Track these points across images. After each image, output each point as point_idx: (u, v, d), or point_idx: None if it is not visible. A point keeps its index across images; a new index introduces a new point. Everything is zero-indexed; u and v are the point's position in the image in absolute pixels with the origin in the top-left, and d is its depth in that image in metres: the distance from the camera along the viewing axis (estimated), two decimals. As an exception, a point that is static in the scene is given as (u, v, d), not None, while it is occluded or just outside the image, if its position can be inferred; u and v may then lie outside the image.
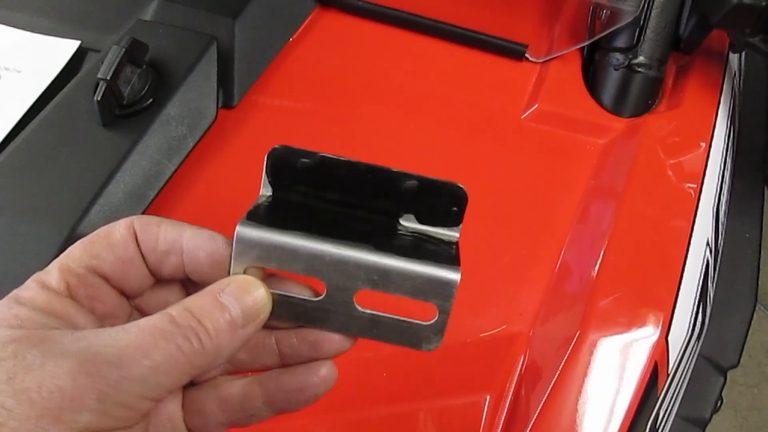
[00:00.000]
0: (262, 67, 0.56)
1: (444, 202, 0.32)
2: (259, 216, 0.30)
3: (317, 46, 0.59)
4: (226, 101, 0.54)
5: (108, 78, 0.47)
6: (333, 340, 0.30)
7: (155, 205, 0.48)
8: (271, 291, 0.29)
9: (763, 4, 0.49)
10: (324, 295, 0.29)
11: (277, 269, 0.29)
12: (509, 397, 0.45)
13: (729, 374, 1.68)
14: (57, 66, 0.55)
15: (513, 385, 0.45)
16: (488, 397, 0.44)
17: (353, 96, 0.56)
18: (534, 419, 0.43)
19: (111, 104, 0.48)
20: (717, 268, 0.58)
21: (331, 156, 0.31)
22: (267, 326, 0.30)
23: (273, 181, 0.32)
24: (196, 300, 0.27)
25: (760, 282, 1.76)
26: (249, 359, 0.31)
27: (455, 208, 0.32)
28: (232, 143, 0.53)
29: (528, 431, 0.43)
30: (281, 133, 0.54)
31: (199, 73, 0.52)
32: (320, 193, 0.33)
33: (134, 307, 0.31)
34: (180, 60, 0.52)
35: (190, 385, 0.31)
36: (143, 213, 0.48)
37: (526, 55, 0.58)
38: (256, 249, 0.28)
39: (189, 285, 0.31)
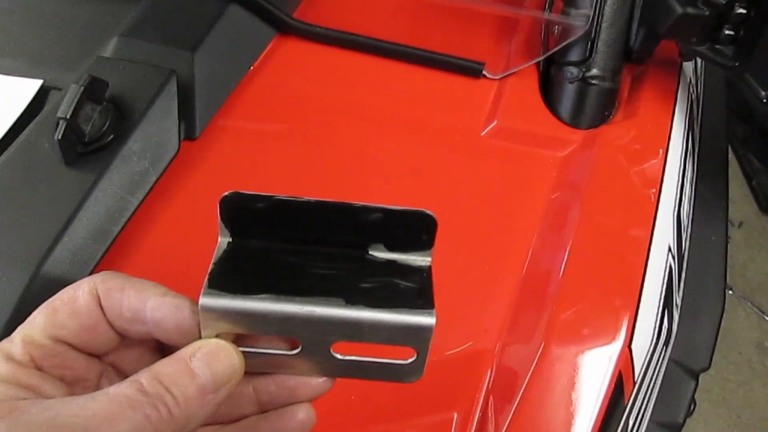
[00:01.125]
0: (223, 97, 0.57)
1: (413, 230, 0.32)
2: (221, 279, 0.29)
3: (278, 73, 0.60)
4: (189, 133, 0.55)
5: (68, 117, 0.47)
6: (312, 385, 0.30)
7: (120, 241, 0.49)
8: (245, 349, 0.29)
9: (707, 13, 0.50)
10: (300, 349, 0.29)
11: (248, 333, 0.29)
12: (477, 414, 0.45)
13: (720, 372, 1.69)
14: (20, 106, 0.56)
15: (480, 402, 0.46)
16: (456, 415, 0.45)
17: (316, 119, 0.57)
18: (502, 435, 0.44)
19: (72, 142, 0.49)
20: (683, 273, 0.58)
21: (287, 198, 0.31)
22: (244, 375, 0.29)
23: (231, 228, 0.32)
24: (165, 367, 0.27)
25: (746, 278, 1.77)
26: (227, 410, 0.31)
27: (425, 236, 0.32)
28: (195, 174, 0.53)
29: (497, 447, 0.43)
30: (245, 162, 0.55)
31: (160, 107, 0.52)
32: (281, 235, 0.32)
33: (108, 363, 0.31)
34: (140, 95, 0.52)
35: None
36: (108, 249, 0.48)
37: (484, 72, 0.59)
38: (224, 318, 0.28)
39: (163, 346, 0.31)
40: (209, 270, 0.29)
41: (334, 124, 0.57)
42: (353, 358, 0.30)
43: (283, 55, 0.61)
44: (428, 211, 0.31)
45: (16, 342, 0.27)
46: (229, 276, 0.29)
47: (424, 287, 0.31)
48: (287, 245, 0.32)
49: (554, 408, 0.44)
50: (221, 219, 0.31)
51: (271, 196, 0.30)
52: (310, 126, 0.57)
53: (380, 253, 0.32)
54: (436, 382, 0.46)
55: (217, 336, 0.28)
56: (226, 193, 0.30)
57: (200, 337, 0.28)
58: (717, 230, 0.64)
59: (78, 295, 0.28)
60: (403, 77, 0.60)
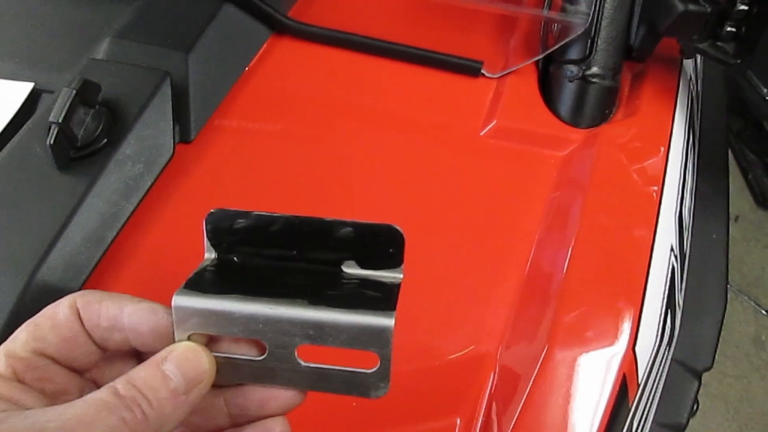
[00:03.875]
0: (218, 99, 0.56)
1: (382, 245, 0.32)
2: (199, 282, 0.31)
3: (274, 73, 0.59)
4: (183, 136, 0.54)
5: (60, 121, 0.46)
6: (279, 398, 0.31)
7: (115, 247, 0.48)
8: (215, 354, 0.30)
9: (709, 10, 0.49)
10: (266, 353, 0.30)
11: (217, 333, 0.30)
12: (480, 419, 0.45)
13: (718, 366, 1.68)
14: (11, 109, 0.55)
15: (483, 406, 0.45)
16: (458, 420, 0.44)
17: (313, 120, 0.56)
18: (506, 440, 0.43)
19: (64, 147, 0.48)
20: (685, 272, 0.58)
21: (265, 213, 0.32)
22: (214, 386, 0.30)
23: (214, 244, 0.33)
24: (139, 371, 0.28)
25: (742, 272, 1.77)
26: (201, 421, 0.32)
27: (392, 250, 0.32)
28: (190, 178, 0.53)
29: (500, 453, 0.43)
30: (241, 165, 0.54)
31: (154, 109, 0.51)
32: (261, 250, 0.33)
33: (89, 379, 0.31)
34: (133, 98, 0.51)
35: None
36: (103, 255, 0.47)
37: (482, 71, 0.58)
38: (195, 317, 0.29)
39: (142, 354, 0.32)
40: (188, 277, 0.31)
41: (330, 124, 0.56)
42: (317, 365, 0.30)
43: (279, 55, 0.60)
44: (395, 226, 0.31)
45: None
46: (206, 281, 0.31)
47: (390, 296, 0.31)
48: (268, 260, 0.33)
49: (558, 412, 0.44)
50: (206, 236, 0.33)
51: (250, 213, 0.32)
52: (307, 127, 0.56)
53: (353, 270, 0.33)
54: (439, 387, 0.46)
55: (189, 338, 0.30)
56: (211, 210, 0.32)
57: (174, 340, 0.29)
58: (718, 228, 0.63)
59: (58, 309, 0.29)
60: (400, 76, 0.59)
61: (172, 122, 0.52)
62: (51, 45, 0.59)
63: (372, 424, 0.44)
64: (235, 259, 0.33)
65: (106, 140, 0.49)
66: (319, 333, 0.29)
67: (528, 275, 0.50)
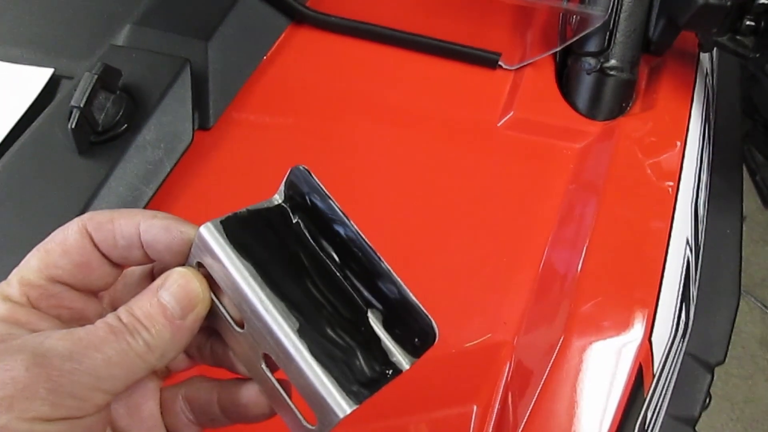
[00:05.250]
0: (237, 87, 0.56)
1: (412, 327, 0.30)
2: (237, 224, 0.29)
3: (292, 62, 0.59)
4: (202, 123, 0.54)
5: (81, 105, 0.47)
6: (259, 406, 0.31)
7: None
8: (212, 296, 0.29)
9: (729, 3, 0.49)
10: (244, 330, 0.29)
11: (216, 282, 0.29)
12: (496, 407, 0.45)
13: (724, 367, 1.69)
14: (31, 95, 0.55)
15: (500, 394, 0.45)
16: (475, 408, 0.44)
17: (330, 110, 0.57)
18: (522, 427, 0.43)
19: (86, 131, 0.48)
20: (699, 266, 0.58)
21: (340, 211, 0.30)
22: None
23: (287, 195, 0.32)
24: (137, 300, 0.28)
25: (749, 273, 1.77)
26: (199, 357, 0.33)
27: (418, 342, 0.30)
28: (209, 165, 0.53)
29: (516, 440, 0.43)
30: (259, 152, 0.54)
31: (174, 96, 0.52)
32: (315, 232, 0.32)
33: (108, 303, 0.32)
34: (154, 84, 0.52)
35: (169, 375, 0.32)
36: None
37: (500, 63, 0.58)
38: (208, 255, 0.28)
39: (159, 273, 0.31)
40: (239, 210, 0.30)
41: (347, 115, 0.56)
42: (273, 379, 0.29)
43: (297, 44, 0.60)
44: (434, 324, 0.29)
45: (12, 284, 0.28)
46: (246, 229, 0.29)
47: (375, 383, 0.29)
48: (314, 245, 0.32)
49: (574, 400, 0.44)
50: (284, 184, 0.31)
51: (328, 197, 0.30)
52: (324, 117, 0.56)
53: (375, 324, 0.31)
54: (455, 374, 0.46)
55: (197, 264, 0.29)
56: (299, 165, 0.30)
57: (185, 263, 0.29)
58: (732, 223, 0.63)
59: (67, 234, 0.29)
60: (418, 67, 0.59)
61: (191, 109, 0.52)
62: (70, 31, 0.59)
63: (391, 410, 0.44)
64: (292, 223, 0.32)
65: (126, 125, 0.50)
66: (285, 362, 0.27)
67: (544, 266, 0.50)
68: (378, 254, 0.30)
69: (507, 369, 0.46)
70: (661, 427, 0.55)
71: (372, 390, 0.28)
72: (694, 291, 0.56)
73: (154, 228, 0.29)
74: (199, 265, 0.29)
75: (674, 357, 0.52)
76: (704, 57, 0.63)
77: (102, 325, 0.27)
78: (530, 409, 0.43)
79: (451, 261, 0.50)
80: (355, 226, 0.30)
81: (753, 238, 1.81)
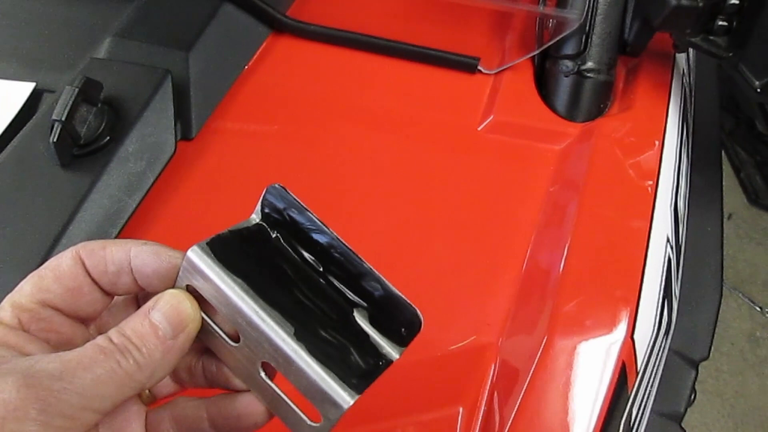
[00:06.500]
0: (218, 97, 0.57)
1: (399, 319, 0.32)
2: (221, 245, 0.30)
3: (273, 71, 0.59)
4: (185, 133, 0.54)
5: (63, 119, 0.47)
6: (253, 415, 0.31)
7: (119, 242, 0.48)
8: (203, 315, 0.30)
9: (701, 4, 0.50)
10: (240, 343, 0.30)
11: (209, 301, 0.30)
12: (482, 408, 0.45)
13: (714, 363, 1.69)
14: (13, 109, 0.55)
15: (485, 396, 0.46)
16: (461, 409, 0.45)
17: (312, 118, 0.57)
18: (507, 428, 0.44)
19: (67, 145, 0.48)
20: (680, 263, 0.59)
21: (318, 221, 0.32)
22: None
23: (264, 213, 0.33)
24: (129, 321, 0.29)
25: (736, 270, 1.78)
26: (188, 379, 0.33)
27: (404, 330, 0.32)
28: (192, 175, 0.53)
29: (502, 441, 0.43)
30: (242, 161, 0.55)
31: (156, 107, 0.52)
32: (296, 246, 0.33)
33: (95, 331, 0.32)
34: (135, 96, 0.52)
35: (153, 400, 0.33)
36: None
37: (479, 67, 0.59)
38: (198, 277, 0.29)
39: (144, 302, 0.32)
40: (221, 232, 0.31)
41: (329, 121, 0.57)
42: (273, 386, 0.30)
43: (278, 53, 0.60)
44: (419, 312, 0.31)
45: (5, 308, 0.29)
46: (231, 245, 0.31)
47: (371, 374, 0.30)
48: (296, 257, 0.33)
49: (559, 399, 0.44)
50: (261, 201, 0.33)
51: (305, 210, 0.32)
52: (306, 124, 0.57)
53: (361, 321, 0.33)
54: (441, 377, 0.46)
55: (186, 287, 0.30)
56: (274, 184, 0.32)
57: (174, 286, 0.30)
58: (712, 221, 0.64)
59: (61, 261, 0.30)
60: (398, 74, 0.60)
61: (173, 120, 0.53)
62: (51, 45, 0.60)
63: (376, 414, 0.44)
64: (270, 236, 0.33)
65: (108, 138, 0.50)
66: (285, 366, 0.29)
67: (527, 267, 0.50)
68: (359, 256, 0.31)
69: (492, 370, 0.47)
70: (647, 424, 0.55)
71: (369, 381, 0.29)
72: (676, 288, 0.57)
73: (143, 253, 0.30)
74: (188, 288, 0.30)
75: (658, 354, 0.53)
76: (680, 57, 0.64)
77: (91, 346, 0.27)
78: (515, 409, 0.44)
79: (434, 264, 0.50)
80: (334, 233, 0.32)
81: (739, 234, 1.83)
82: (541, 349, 0.45)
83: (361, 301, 0.33)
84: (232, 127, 0.56)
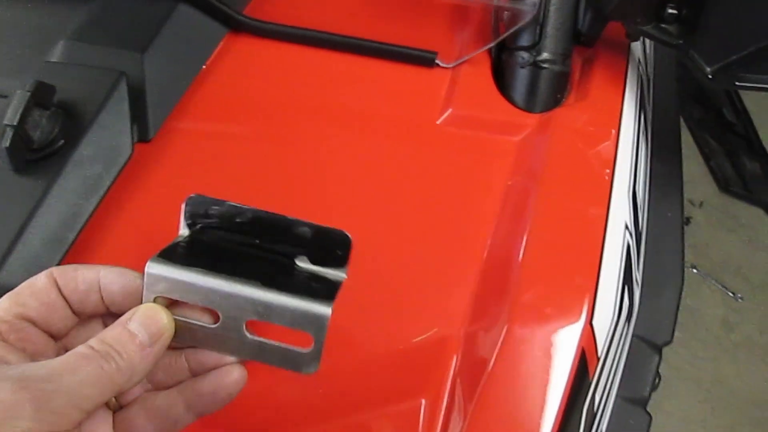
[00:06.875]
0: (176, 98, 0.56)
1: (332, 246, 0.37)
2: (170, 253, 0.35)
3: (231, 71, 0.59)
4: (142, 135, 0.54)
5: (15, 124, 0.46)
6: (226, 387, 0.35)
7: (77, 248, 0.48)
8: (175, 317, 0.34)
9: (650, -7, 0.51)
10: (219, 323, 0.34)
11: (180, 299, 0.34)
12: (445, 399, 0.45)
13: (689, 349, 1.71)
14: (-35, 116, 0.54)
15: (448, 387, 0.46)
16: (424, 402, 0.45)
17: (270, 117, 0.57)
18: (470, 418, 0.44)
19: (20, 149, 0.48)
20: (641, 250, 0.59)
21: (236, 204, 0.37)
22: (174, 347, 0.35)
23: (189, 224, 0.38)
24: (108, 331, 0.33)
25: (709, 257, 1.80)
26: (165, 377, 0.36)
27: (340, 252, 0.37)
28: (151, 176, 0.53)
29: (465, 431, 0.44)
30: (201, 162, 0.54)
31: (111, 110, 0.52)
32: (228, 235, 0.38)
33: (62, 347, 0.35)
34: (90, 99, 0.51)
35: (119, 408, 0.36)
36: (64, 256, 0.47)
37: (437, 61, 0.59)
38: (163, 282, 0.34)
39: (109, 317, 0.36)
40: (163, 248, 0.35)
41: (288, 120, 0.57)
42: (260, 339, 0.35)
43: (235, 52, 0.60)
44: (345, 232, 0.36)
45: None
46: (177, 253, 0.35)
47: (331, 290, 0.36)
48: (233, 244, 0.38)
49: (520, 388, 0.45)
50: (183, 216, 0.37)
51: (224, 202, 0.37)
52: (264, 123, 0.57)
53: (304, 264, 0.38)
54: (404, 370, 0.46)
55: (154, 300, 0.34)
56: (190, 195, 0.36)
57: (141, 302, 0.34)
58: (673, 206, 0.65)
59: (36, 279, 0.34)
60: (356, 70, 0.60)
61: (129, 122, 0.52)
62: (4, 50, 0.59)
63: (338, 408, 0.44)
64: (204, 238, 0.38)
65: (63, 142, 0.49)
66: (266, 311, 0.34)
67: (488, 258, 0.51)
68: (280, 215, 0.37)
69: (454, 361, 0.47)
70: (612, 409, 0.56)
71: (333, 296, 0.35)
72: (637, 274, 0.58)
73: (111, 273, 0.34)
74: (156, 301, 0.34)
75: (620, 340, 0.54)
76: (636, 46, 0.65)
77: (73, 354, 0.31)
78: (477, 399, 0.44)
79: (395, 258, 0.50)
80: (253, 207, 0.37)
81: (711, 222, 1.85)
82: (501, 339, 0.46)
83: (300, 249, 0.38)
84: (190, 127, 0.56)
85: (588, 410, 0.48)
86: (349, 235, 0.36)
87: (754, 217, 1.86)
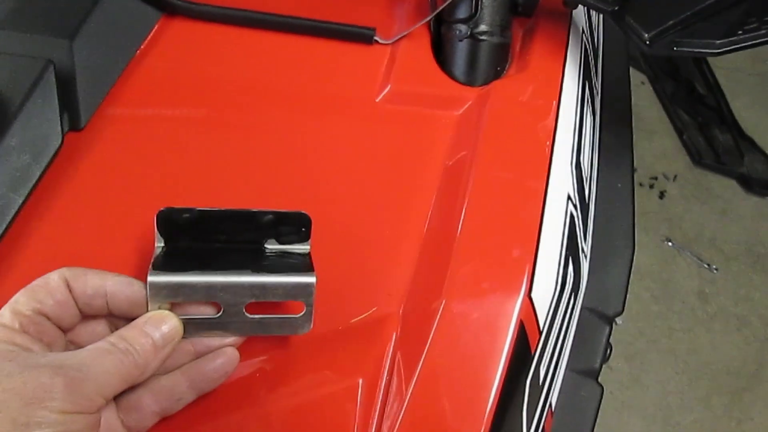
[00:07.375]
0: (108, 84, 0.55)
1: (295, 226, 0.44)
2: (161, 264, 0.40)
3: (165, 54, 0.58)
4: (73, 124, 0.53)
5: (-67, 116, 0.45)
6: (224, 365, 0.42)
7: (6, 241, 0.47)
8: (182, 316, 0.40)
9: (582, -41, 0.50)
10: (221, 312, 0.40)
11: (183, 301, 0.40)
12: (384, 378, 0.45)
13: (666, 321, 1.72)
14: None
15: (386, 366, 0.45)
16: (361, 381, 0.44)
17: (206, 100, 0.56)
18: (409, 396, 0.43)
19: (-58, 143, 0.47)
20: (588, 221, 0.59)
21: (207, 209, 0.42)
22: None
23: (163, 235, 0.42)
24: (127, 331, 0.38)
25: (683, 230, 1.81)
26: (171, 361, 0.41)
27: (303, 229, 0.44)
28: (83, 165, 0.52)
29: (404, 408, 0.43)
30: (135, 147, 0.53)
31: (38, 99, 0.50)
32: (203, 237, 0.43)
33: (68, 340, 0.40)
34: (15, 88, 0.50)
35: (127, 391, 0.39)
36: (-8, 249, 0.46)
37: (375, 38, 0.58)
38: (165, 290, 0.39)
39: (111, 318, 0.41)
40: (151, 261, 0.40)
41: (225, 103, 0.56)
42: (259, 316, 0.41)
43: (170, 36, 0.59)
44: (305, 213, 0.43)
45: (5, 314, 0.37)
46: (165, 263, 0.40)
47: (306, 262, 0.43)
48: (206, 244, 0.43)
49: (459, 363, 0.44)
50: (157, 229, 0.42)
51: (193, 209, 0.42)
52: (201, 107, 0.55)
53: (273, 246, 0.45)
54: (341, 351, 0.46)
55: (159, 307, 0.39)
56: (162, 209, 0.41)
57: (147, 309, 0.39)
58: (623, 177, 0.65)
59: (50, 279, 0.38)
60: (294, 49, 0.59)
61: (58, 111, 0.51)
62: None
63: (275, 390, 0.44)
64: (181, 245, 0.42)
65: (-13, 133, 0.48)
66: (262, 292, 0.40)
67: (426, 234, 0.50)
68: (241, 209, 0.43)
69: (393, 340, 0.46)
70: (563, 381, 0.56)
71: (312, 265, 0.43)
72: (583, 245, 0.57)
73: (119, 283, 0.39)
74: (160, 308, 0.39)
75: (566, 312, 0.53)
76: (579, 16, 0.64)
77: (97, 347, 0.36)
78: (416, 376, 0.44)
79: (334, 239, 0.49)
80: (217, 208, 0.42)
81: (685, 195, 1.86)
82: (439, 314, 0.45)
83: (266, 233, 0.44)
84: (125, 113, 0.55)
85: (532, 383, 0.48)
86: (308, 215, 0.43)
87: (727, 189, 1.86)
